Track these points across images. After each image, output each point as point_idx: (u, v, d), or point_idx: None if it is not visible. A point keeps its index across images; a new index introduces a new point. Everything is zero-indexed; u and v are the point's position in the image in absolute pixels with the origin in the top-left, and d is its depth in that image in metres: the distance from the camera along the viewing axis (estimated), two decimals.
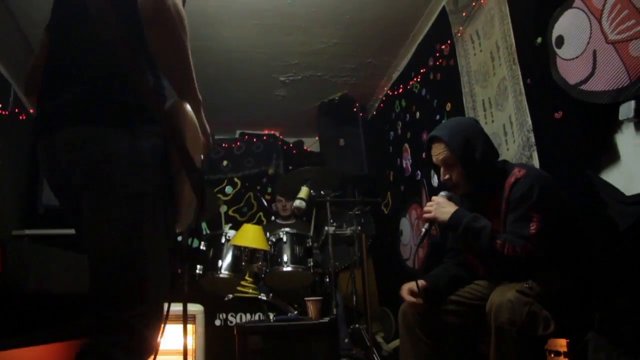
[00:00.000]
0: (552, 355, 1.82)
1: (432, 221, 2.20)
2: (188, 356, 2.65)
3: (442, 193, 2.26)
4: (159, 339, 1.37)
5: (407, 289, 2.28)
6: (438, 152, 2.24)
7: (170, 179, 1.45)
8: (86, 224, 1.38)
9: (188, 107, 1.49)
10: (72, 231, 1.55)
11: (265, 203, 5.93)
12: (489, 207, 2.15)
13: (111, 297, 1.34)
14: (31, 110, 1.40)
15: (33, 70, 1.72)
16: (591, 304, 1.96)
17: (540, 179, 2.03)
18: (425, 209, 2.22)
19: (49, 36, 1.66)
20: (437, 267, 2.43)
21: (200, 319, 3.25)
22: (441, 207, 2.16)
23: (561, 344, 1.80)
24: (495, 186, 2.12)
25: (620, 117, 2.12)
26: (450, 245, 2.45)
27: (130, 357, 1.30)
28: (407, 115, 4.64)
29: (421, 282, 2.26)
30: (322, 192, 3.66)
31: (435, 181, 3.93)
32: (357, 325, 3.55)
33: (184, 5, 1.52)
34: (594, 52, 2.26)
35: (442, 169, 2.25)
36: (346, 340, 3.59)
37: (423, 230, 2.25)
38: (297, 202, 3.44)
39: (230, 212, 5.94)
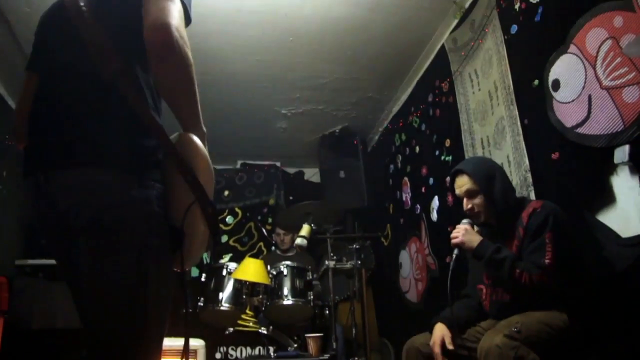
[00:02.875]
0: None
1: (460, 246, 2.34)
2: None
3: (464, 221, 2.42)
4: None
5: (439, 345, 2.27)
6: (462, 183, 2.43)
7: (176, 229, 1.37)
8: (85, 270, 1.32)
9: (197, 139, 1.43)
10: None
11: (266, 233, 5.96)
12: (507, 235, 2.30)
13: (109, 347, 1.29)
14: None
15: (20, 112, 1.63)
16: (585, 347, 2.01)
17: (556, 211, 2.19)
18: (453, 234, 2.38)
19: (34, 76, 1.58)
20: (447, 309, 2.43)
21: (201, 353, 3.25)
22: (469, 234, 2.32)
23: None
24: (514, 217, 2.29)
25: (616, 161, 2.18)
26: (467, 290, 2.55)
27: None
28: (407, 149, 4.71)
29: (448, 336, 2.27)
30: (322, 226, 3.70)
31: (434, 216, 3.97)
32: (356, 359, 3.56)
33: (187, 23, 1.49)
34: (589, 96, 2.32)
35: (465, 200, 2.42)
36: None
37: (454, 255, 2.37)
38: (298, 240, 3.47)
39: (231, 242, 5.96)
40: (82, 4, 1.49)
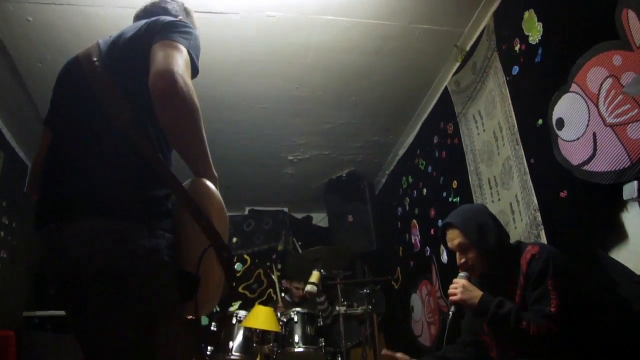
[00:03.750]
0: None
1: (460, 304, 2.24)
2: None
3: (461, 274, 2.33)
4: None
5: None
6: (453, 237, 2.35)
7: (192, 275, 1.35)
8: (94, 320, 1.31)
9: (209, 183, 1.44)
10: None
11: (275, 279, 5.92)
12: (507, 285, 2.22)
13: None
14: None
15: (36, 166, 1.68)
16: None
17: (555, 255, 2.10)
18: (451, 291, 2.28)
19: (50, 129, 1.63)
20: (451, 347, 2.42)
21: None
22: (468, 291, 2.22)
23: None
24: (512, 265, 2.20)
25: (625, 198, 2.16)
26: (463, 337, 2.48)
27: None
28: (415, 191, 4.71)
29: None
30: (332, 271, 3.68)
31: (445, 258, 3.94)
32: None
33: (194, 75, 1.53)
34: (594, 134, 2.33)
35: (458, 254, 2.35)
36: None
37: (451, 313, 2.28)
38: (309, 287, 3.45)
39: (240, 289, 5.92)
40: (95, 59, 1.55)
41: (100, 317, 1.30)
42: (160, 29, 1.55)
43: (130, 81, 1.50)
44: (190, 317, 1.41)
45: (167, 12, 1.83)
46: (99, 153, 1.42)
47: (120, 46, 1.59)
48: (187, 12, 1.96)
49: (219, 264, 1.36)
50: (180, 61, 1.44)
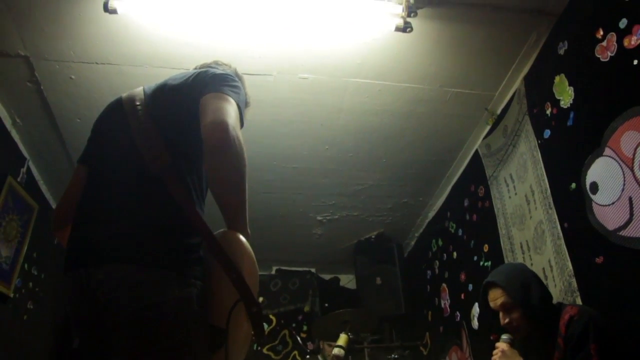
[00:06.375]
0: None
1: None
2: None
3: (504, 337, 2.28)
4: None
5: None
6: (496, 297, 2.30)
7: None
8: None
9: (242, 237, 1.42)
10: None
11: (300, 341, 5.80)
12: (547, 347, 2.15)
13: None
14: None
15: (64, 202, 1.68)
16: None
17: (595, 317, 2.05)
18: (493, 357, 2.23)
19: (84, 169, 1.64)
20: None
21: None
22: (506, 357, 2.18)
23: None
24: (553, 326, 2.14)
25: None
26: None
27: None
28: (445, 254, 4.64)
29: None
30: (360, 335, 3.60)
31: (475, 323, 3.82)
32: None
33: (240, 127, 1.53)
34: (630, 198, 2.28)
35: (501, 314, 2.29)
36: None
37: None
38: (335, 350, 3.38)
39: (264, 351, 5.80)
40: (137, 103, 1.58)
41: None
42: (210, 80, 1.58)
43: (172, 128, 1.53)
44: None
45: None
46: (133, 198, 1.43)
47: (165, 92, 1.62)
48: (237, 75, 1.95)
49: (248, 319, 1.33)
50: (232, 112, 1.48)
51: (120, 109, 1.62)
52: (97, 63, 3.15)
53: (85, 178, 1.61)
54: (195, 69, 1.93)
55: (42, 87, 3.33)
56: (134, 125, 1.52)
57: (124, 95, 1.69)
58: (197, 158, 1.54)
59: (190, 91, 1.56)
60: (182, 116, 1.53)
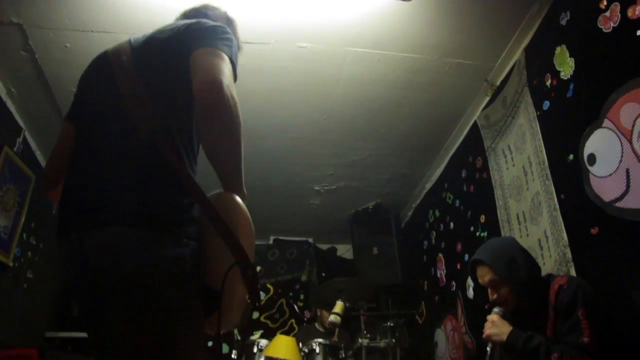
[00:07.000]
0: None
1: (490, 340, 2.25)
2: None
3: (495, 309, 2.32)
4: None
5: None
6: (483, 274, 2.36)
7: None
8: (113, 329, 1.27)
9: (238, 198, 1.39)
10: None
11: (298, 310, 5.87)
12: (539, 319, 2.19)
13: None
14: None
15: (53, 162, 1.65)
16: None
17: (584, 286, 2.09)
18: (485, 329, 2.28)
19: (72, 127, 1.59)
20: None
21: None
22: (496, 326, 2.22)
23: None
24: (542, 298, 2.18)
25: None
26: None
27: None
28: (441, 225, 4.67)
29: None
30: (356, 303, 3.64)
31: (470, 293, 3.87)
32: None
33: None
34: (627, 170, 2.29)
35: (489, 290, 2.34)
36: None
37: (488, 350, 2.28)
38: (332, 317, 3.42)
39: (262, 319, 5.87)
40: (124, 58, 1.52)
41: (120, 327, 1.27)
42: (201, 33, 1.51)
43: (161, 84, 1.47)
44: (210, 332, 1.37)
45: (207, 17, 1.76)
46: (122, 160, 1.39)
47: (153, 46, 1.55)
48: (229, 21, 1.91)
49: (243, 282, 1.31)
50: (226, 70, 1.41)
51: (107, 65, 1.57)
52: (92, 31, 3.10)
53: (72, 137, 1.57)
54: (184, 15, 1.87)
55: (36, 56, 3.29)
56: (122, 85, 1.46)
57: (109, 49, 1.63)
58: (188, 117, 1.50)
59: (180, 46, 1.49)
60: (172, 73, 1.46)
